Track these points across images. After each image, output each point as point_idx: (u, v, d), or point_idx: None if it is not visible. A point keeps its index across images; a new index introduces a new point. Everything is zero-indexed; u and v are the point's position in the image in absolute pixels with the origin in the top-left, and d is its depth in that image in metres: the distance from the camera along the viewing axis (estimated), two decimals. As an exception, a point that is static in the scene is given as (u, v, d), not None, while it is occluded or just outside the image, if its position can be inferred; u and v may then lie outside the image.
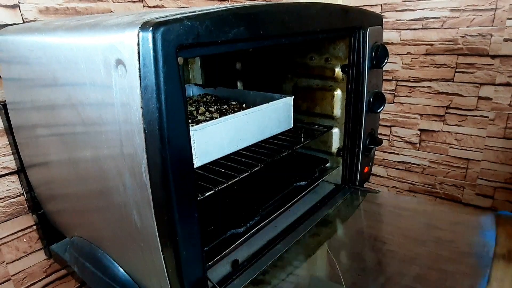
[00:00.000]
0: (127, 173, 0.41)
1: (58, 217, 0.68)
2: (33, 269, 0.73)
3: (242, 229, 0.53)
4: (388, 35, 1.30)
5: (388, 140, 1.41)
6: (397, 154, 1.41)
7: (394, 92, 1.35)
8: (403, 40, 1.28)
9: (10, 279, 0.70)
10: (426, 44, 1.24)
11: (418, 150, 1.36)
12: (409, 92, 1.32)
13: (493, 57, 1.14)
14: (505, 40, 1.11)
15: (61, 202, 0.64)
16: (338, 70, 0.71)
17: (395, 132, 1.39)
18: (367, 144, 0.77)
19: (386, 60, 0.72)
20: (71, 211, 0.62)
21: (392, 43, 1.30)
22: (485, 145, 1.22)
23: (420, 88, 1.29)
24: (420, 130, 1.33)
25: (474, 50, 1.16)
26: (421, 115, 1.32)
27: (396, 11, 1.26)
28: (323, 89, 0.73)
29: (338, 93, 0.72)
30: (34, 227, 0.71)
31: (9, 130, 0.66)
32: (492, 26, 1.11)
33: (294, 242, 0.60)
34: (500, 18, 1.10)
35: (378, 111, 0.74)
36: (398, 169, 1.43)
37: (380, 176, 1.48)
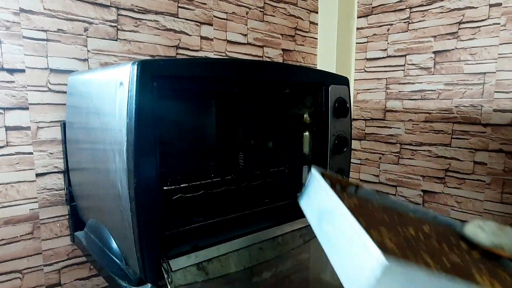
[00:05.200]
0: (117, 155, 0.63)
1: (82, 207, 0.90)
2: (59, 250, 0.94)
3: (201, 218, 0.71)
4: (393, 104, 1.46)
5: (394, 199, 1.49)
6: (402, 213, 1.47)
7: (398, 154, 1.46)
8: (405, 108, 1.43)
9: (41, 253, 0.92)
10: (425, 113, 1.38)
11: (421, 210, 1.42)
12: (411, 155, 1.43)
13: (485, 125, 1.24)
14: (495, 110, 1.22)
15: (85, 197, 0.87)
16: (306, 115, 0.90)
17: (400, 192, 1.47)
18: (334, 180, 0.91)
19: (347, 112, 0.90)
20: (89, 201, 0.84)
21: (396, 111, 1.46)
22: (484, 209, 1.26)
23: (421, 151, 1.40)
24: (423, 191, 1.41)
25: (467, 119, 1.28)
26: (423, 176, 1.40)
27: (399, 83, 1.44)
28: (296, 130, 0.92)
29: (306, 134, 0.90)
30: (67, 216, 0.94)
31: (64, 141, 0.93)
32: (482, 98, 1.24)
33: (243, 247, 0.75)
34: (488, 91, 1.22)
35: (341, 152, 0.90)
36: (404, 229, 1.48)
37: (387, 235, 1.53)
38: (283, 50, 1.41)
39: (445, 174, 1.34)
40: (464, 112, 1.28)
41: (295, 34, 1.46)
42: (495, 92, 1.21)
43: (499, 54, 1.18)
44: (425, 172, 1.39)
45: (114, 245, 0.74)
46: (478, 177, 1.27)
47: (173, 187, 0.68)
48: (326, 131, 0.88)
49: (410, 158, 1.43)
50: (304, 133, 0.91)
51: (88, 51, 0.96)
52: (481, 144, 1.25)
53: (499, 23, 1.17)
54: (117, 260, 0.72)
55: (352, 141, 1.60)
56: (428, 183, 1.39)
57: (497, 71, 1.20)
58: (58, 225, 0.94)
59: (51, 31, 0.90)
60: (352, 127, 1.60)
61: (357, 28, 1.56)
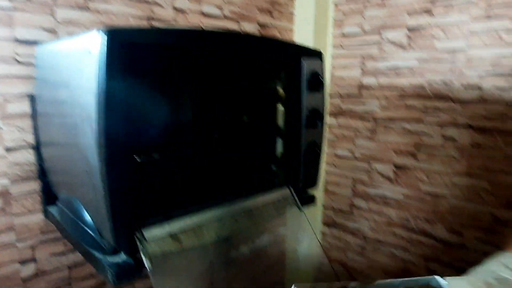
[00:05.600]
0: (88, 127, 0.62)
1: (54, 181, 0.89)
2: (33, 226, 0.93)
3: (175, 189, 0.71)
4: (368, 80, 1.48)
5: (368, 174, 1.54)
6: (376, 187, 1.52)
7: (373, 130, 1.50)
8: (380, 85, 1.45)
9: (13, 229, 0.90)
10: (399, 89, 1.40)
11: (394, 184, 1.47)
12: (385, 131, 1.46)
13: (455, 101, 1.28)
14: (464, 87, 1.25)
15: (57, 171, 0.86)
16: (280, 89, 0.91)
17: (374, 167, 1.51)
18: (308, 153, 0.93)
19: (321, 86, 0.91)
20: (61, 175, 0.83)
21: (372, 88, 1.48)
22: (452, 182, 1.32)
23: (394, 127, 1.43)
24: (395, 166, 1.45)
25: (439, 95, 1.31)
26: (396, 151, 1.44)
27: (374, 60, 1.46)
28: (271, 103, 0.92)
29: (280, 107, 0.91)
30: (39, 191, 0.93)
31: (33, 115, 0.90)
32: (453, 74, 1.27)
33: (217, 218, 0.77)
34: (458, 68, 1.25)
35: (315, 126, 0.91)
36: (377, 202, 1.53)
37: (361, 209, 1.58)
38: (259, 25, 1.40)
39: (417, 149, 1.39)
40: (436, 89, 1.32)
41: (272, 8, 1.44)
42: (465, 68, 1.24)
43: (469, 31, 1.21)
44: (398, 147, 1.43)
45: (87, 217, 0.74)
46: (447, 151, 1.32)
47: (145, 158, 0.68)
48: (299, 105, 0.89)
49: (384, 134, 1.47)
50: (278, 107, 0.92)
51: (57, 21, 0.93)
52: (451, 120, 1.29)
53: (471, 0, 1.19)
54: (90, 232, 0.72)
55: (329, 117, 1.63)
56: (400, 158, 1.43)
57: (467, 47, 1.22)
58: (30, 200, 0.92)
59: (17, 0, 0.86)
60: (329, 103, 1.62)
61: (334, 4, 1.56)
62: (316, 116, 0.91)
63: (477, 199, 1.27)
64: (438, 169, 1.34)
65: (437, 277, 0.53)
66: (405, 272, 1.48)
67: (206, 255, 0.95)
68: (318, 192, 1.71)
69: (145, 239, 0.66)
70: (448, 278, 0.55)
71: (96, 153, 0.61)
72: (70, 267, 1.04)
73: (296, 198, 0.91)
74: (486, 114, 1.21)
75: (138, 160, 0.66)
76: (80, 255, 1.03)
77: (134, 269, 0.68)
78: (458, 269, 1.33)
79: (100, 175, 0.62)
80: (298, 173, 0.93)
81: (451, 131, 1.29)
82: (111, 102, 0.59)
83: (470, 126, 1.25)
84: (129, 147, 0.63)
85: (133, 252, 0.67)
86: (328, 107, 1.62)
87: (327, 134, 1.64)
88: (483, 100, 1.21)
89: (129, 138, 0.63)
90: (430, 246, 1.40)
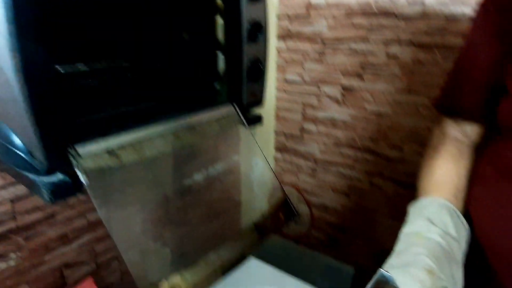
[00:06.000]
0: (1, 41, 0.55)
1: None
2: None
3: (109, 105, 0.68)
4: (317, 0, 1.44)
5: (317, 97, 1.56)
6: (324, 110, 1.55)
7: (321, 53, 1.49)
8: (328, 3, 1.42)
9: None
10: (346, 7, 1.38)
11: (341, 106, 1.50)
12: (333, 52, 1.46)
13: (399, 18, 1.28)
14: (408, 2, 1.25)
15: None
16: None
17: (323, 90, 1.53)
18: (251, 69, 0.91)
19: (260, -5, 0.86)
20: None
21: (320, 7, 1.44)
22: (394, 100, 1.37)
23: (341, 48, 1.43)
24: (343, 87, 1.48)
25: (384, 12, 1.31)
26: (343, 73, 1.46)
27: (322, -23, 1.41)
28: (209, 16, 0.87)
29: (219, 19, 0.87)
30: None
31: None
32: (398, -10, 1.26)
33: (158, 134, 0.75)
34: (404, -17, 1.24)
35: (256, 39, 0.88)
36: (326, 125, 1.57)
37: (311, 133, 1.63)
38: None
39: (363, 69, 1.41)
40: (381, 5, 1.31)
41: None
42: (410, -17, 1.23)
43: None
44: (345, 69, 1.45)
45: (17, 140, 0.69)
46: (391, 70, 1.35)
47: (70, 69, 0.63)
48: (239, 17, 0.85)
49: (332, 56, 1.47)
50: (217, 19, 0.87)
51: None
52: (395, 37, 1.31)
53: None
54: (23, 155, 0.68)
55: (278, 41, 1.59)
56: (347, 79, 1.46)
57: (412, -40, 1.20)
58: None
59: None
60: (278, 26, 1.57)
61: None
62: (257, 29, 0.88)
63: (416, 115, 1.34)
64: (382, 88, 1.38)
65: (382, 271, 0.52)
66: (351, 188, 1.58)
67: (158, 185, 0.94)
68: (270, 119, 1.72)
69: (79, 155, 0.63)
70: (391, 271, 0.53)
71: (12, 68, 0.56)
72: (12, 201, 1.00)
73: (240, 114, 0.91)
74: (427, 29, 1.24)
75: (62, 71, 0.62)
76: (23, 188, 1.00)
77: (71, 187, 0.66)
78: (398, 181, 1.44)
79: (21, 92, 0.57)
80: (241, 90, 0.92)
81: (395, 49, 1.31)
82: (21, 11, 0.52)
83: (412, 43, 1.28)
84: (49, 57, 0.58)
85: (68, 170, 0.65)
86: (276, 30, 1.58)
87: (276, 59, 1.62)
88: (425, 15, 1.23)
89: (48, 48, 0.57)
90: (373, 162, 1.49)
